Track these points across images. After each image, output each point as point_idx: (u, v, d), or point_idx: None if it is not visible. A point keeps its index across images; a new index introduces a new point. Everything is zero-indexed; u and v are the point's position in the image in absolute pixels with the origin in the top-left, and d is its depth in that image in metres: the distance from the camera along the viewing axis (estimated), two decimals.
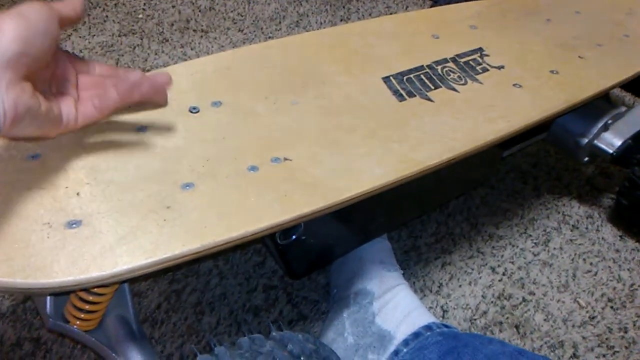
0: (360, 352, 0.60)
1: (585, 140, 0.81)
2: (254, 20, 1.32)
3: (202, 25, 1.26)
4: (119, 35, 1.18)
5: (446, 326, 0.61)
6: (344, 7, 1.45)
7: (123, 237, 0.42)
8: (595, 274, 0.82)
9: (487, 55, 0.72)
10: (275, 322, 0.69)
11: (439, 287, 0.76)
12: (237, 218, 0.45)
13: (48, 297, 0.51)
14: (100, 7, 1.25)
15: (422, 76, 0.66)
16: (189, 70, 0.59)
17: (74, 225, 0.42)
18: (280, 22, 1.33)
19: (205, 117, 0.54)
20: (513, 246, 0.84)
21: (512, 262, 0.81)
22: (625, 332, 0.75)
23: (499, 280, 0.78)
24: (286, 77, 0.61)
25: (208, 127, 0.53)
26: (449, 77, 0.67)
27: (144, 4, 1.30)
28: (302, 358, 0.38)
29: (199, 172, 0.48)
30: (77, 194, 0.45)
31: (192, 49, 1.18)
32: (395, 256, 0.74)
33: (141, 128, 0.51)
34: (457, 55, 0.71)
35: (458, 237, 0.84)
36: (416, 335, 0.59)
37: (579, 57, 0.76)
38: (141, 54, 1.13)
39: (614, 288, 0.80)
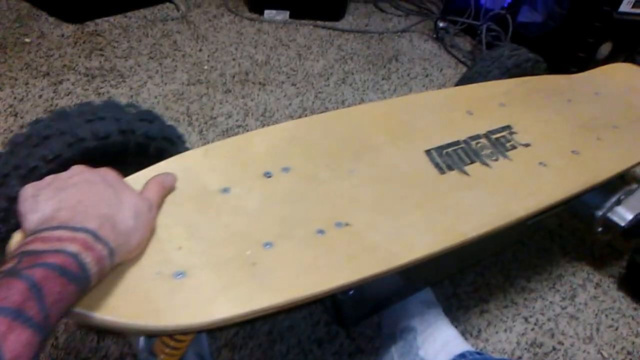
0: None
1: (600, 213, 0.90)
2: (305, 76, 1.46)
3: (259, 78, 1.40)
4: (188, 84, 1.31)
5: (479, 353, 0.70)
6: (384, 66, 1.59)
7: (222, 289, 0.48)
8: (617, 329, 0.91)
9: (515, 133, 0.79)
10: (337, 353, 0.79)
11: (478, 332, 0.86)
12: (312, 278, 0.51)
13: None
14: (170, 58, 1.40)
15: (459, 150, 0.72)
16: (262, 137, 0.66)
17: (179, 276, 0.48)
18: (328, 79, 1.47)
19: (278, 182, 0.61)
20: (543, 299, 0.93)
21: (543, 314, 0.91)
22: None
23: (532, 330, 0.88)
24: (343, 147, 0.68)
25: (280, 191, 0.59)
26: (482, 153, 0.73)
27: (208, 56, 1.45)
28: None
29: (277, 232, 0.54)
30: (180, 247, 0.50)
31: (252, 100, 1.31)
32: (438, 301, 0.84)
33: (226, 189, 0.58)
34: (489, 132, 0.77)
35: (493, 287, 0.94)
36: None
37: (598, 138, 0.82)
38: (208, 102, 1.26)
39: (633, 342, 0.89)
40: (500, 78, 1.02)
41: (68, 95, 1.19)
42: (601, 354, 0.86)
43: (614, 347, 0.88)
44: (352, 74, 1.52)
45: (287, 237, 0.54)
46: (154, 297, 0.46)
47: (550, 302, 0.93)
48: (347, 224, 0.57)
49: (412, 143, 0.71)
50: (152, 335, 0.58)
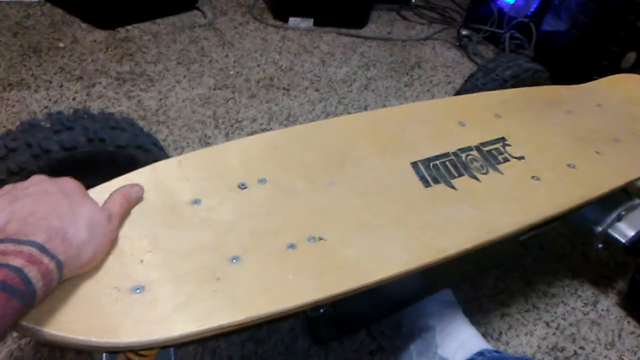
0: None
1: (600, 229, 0.88)
2: (328, 82, 1.48)
3: (284, 84, 1.43)
4: (214, 89, 1.34)
5: (497, 352, 0.71)
6: (407, 73, 1.61)
7: (179, 304, 0.46)
8: (639, 335, 0.91)
9: (508, 145, 0.76)
10: (357, 351, 0.80)
11: (499, 335, 0.87)
12: (278, 295, 0.49)
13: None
14: (197, 63, 1.43)
15: (447, 163, 0.69)
16: (240, 147, 0.65)
17: (137, 291, 0.46)
18: (351, 85, 1.49)
19: (252, 194, 0.59)
20: (565, 304, 0.93)
21: (564, 319, 0.91)
22: None
23: (553, 334, 0.88)
24: (325, 158, 0.66)
25: (254, 203, 0.58)
26: (472, 166, 0.70)
27: (234, 61, 1.48)
28: None
29: (245, 246, 0.53)
30: (141, 261, 0.49)
31: (276, 105, 1.34)
32: (458, 303, 0.85)
33: (196, 201, 0.56)
34: (480, 144, 0.74)
35: (515, 292, 0.94)
36: None
37: (596, 152, 0.79)
38: (234, 106, 1.29)
39: None
40: None
41: (100, 98, 1.23)
42: (622, 359, 0.86)
43: (635, 353, 0.88)
44: (375, 80, 1.54)
45: (256, 251, 0.53)
46: (108, 312, 0.45)
47: (572, 308, 0.93)
48: (320, 239, 0.55)
49: (397, 155, 0.69)
50: (105, 352, 0.56)
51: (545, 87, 1.00)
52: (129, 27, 1.53)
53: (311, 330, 0.66)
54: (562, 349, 0.86)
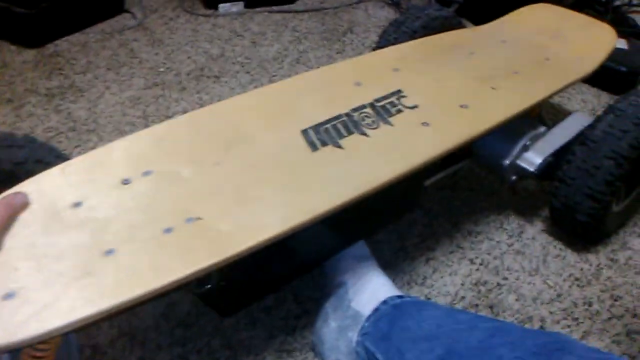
0: (341, 333, 0.73)
1: (507, 162, 0.90)
2: (259, 62, 1.49)
3: (214, 72, 1.44)
4: (144, 89, 1.36)
5: (399, 297, 0.73)
6: (339, 40, 1.61)
7: (47, 304, 0.49)
8: (564, 257, 0.93)
9: (404, 97, 0.77)
10: (284, 318, 0.83)
11: (424, 279, 0.89)
12: (144, 278, 0.52)
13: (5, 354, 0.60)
14: (127, 66, 1.45)
15: (338, 125, 0.71)
16: (126, 145, 0.66)
17: (9, 297, 0.49)
18: (282, 61, 1.50)
19: (135, 188, 0.60)
20: (490, 240, 0.96)
21: (489, 254, 0.93)
22: (590, 305, 0.86)
23: (477, 270, 0.91)
24: (213, 141, 0.67)
25: (136, 197, 0.59)
26: (363, 123, 0.71)
27: (164, 58, 1.49)
28: None
29: (122, 238, 0.55)
30: (15, 269, 0.51)
31: (206, 94, 1.35)
32: (384, 256, 0.87)
33: (77, 204, 0.58)
34: (375, 100, 0.75)
35: (441, 236, 0.97)
36: (376, 310, 0.72)
37: (492, 88, 0.80)
38: (164, 103, 1.31)
39: (581, 269, 0.91)
40: None
41: (29, 117, 1.25)
42: (547, 283, 0.89)
43: (560, 275, 0.90)
44: (307, 52, 1.54)
45: (131, 242, 0.55)
46: None
47: (497, 242, 0.96)
48: (198, 218, 0.57)
49: (288, 125, 0.70)
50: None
51: (447, 33, 1.01)
52: (58, 42, 1.55)
53: (209, 306, 0.69)
54: (485, 283, 0.88)
